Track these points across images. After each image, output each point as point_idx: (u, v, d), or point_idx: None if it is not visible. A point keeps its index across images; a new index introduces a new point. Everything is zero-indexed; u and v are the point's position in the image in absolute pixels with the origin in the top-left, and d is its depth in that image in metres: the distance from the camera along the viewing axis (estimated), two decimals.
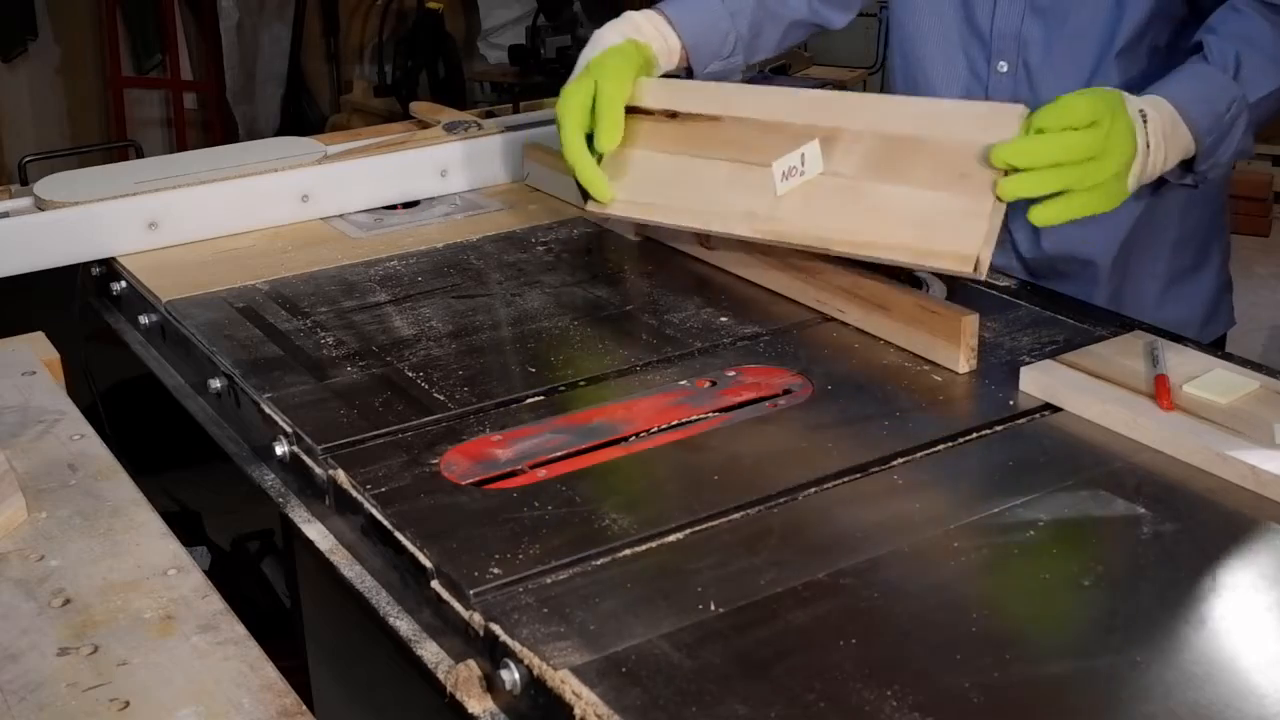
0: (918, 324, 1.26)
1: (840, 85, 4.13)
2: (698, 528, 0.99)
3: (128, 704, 0.84)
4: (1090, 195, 1.21)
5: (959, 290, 1.43)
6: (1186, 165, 1.33)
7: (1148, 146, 1.24)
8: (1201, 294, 1.61)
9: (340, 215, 1.73)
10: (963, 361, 1.23)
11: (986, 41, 1.51)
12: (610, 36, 1.49)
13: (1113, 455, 1.08)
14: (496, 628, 0.87)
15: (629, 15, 1.52)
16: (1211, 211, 1.57)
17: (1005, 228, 1.53)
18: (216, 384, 1.31)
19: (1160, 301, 1.56)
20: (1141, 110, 1.24)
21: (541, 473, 1.07)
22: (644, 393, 1.21)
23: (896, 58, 1.63)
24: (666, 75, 1.53)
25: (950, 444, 1.11)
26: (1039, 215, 1.21)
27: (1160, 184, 1.47)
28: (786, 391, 1.21)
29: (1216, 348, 1.59)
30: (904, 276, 1.40)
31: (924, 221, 1.24)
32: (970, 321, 1.23)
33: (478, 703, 0.88)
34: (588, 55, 1.46)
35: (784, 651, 0.85)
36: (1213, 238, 1.59)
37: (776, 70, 3.51)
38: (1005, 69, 1.50)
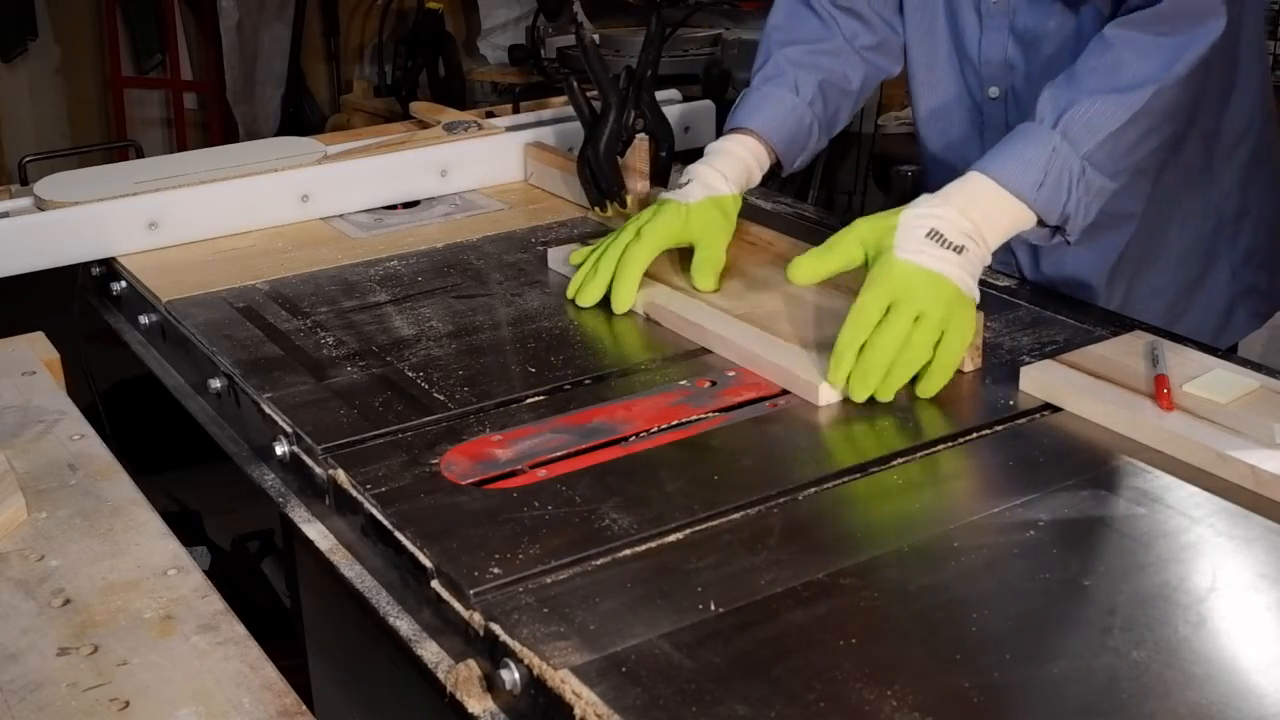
0: None
1: None
2: (698, 528, 0.99)
3: (128, 704, 0.84)
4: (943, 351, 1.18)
5: None
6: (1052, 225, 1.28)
7: (959, 250, 1.20)
8: (1212, 305, 1.59)
9: (340, 215, 1.73)
10: (967, 360, 1.23)
11: (977, 68, 1.52)
12: (714, 181, 1.46)
13: (1113, 455, 1.08)
14: (496, 627, 0.87)
15: (727, 149, 1.49)
16: (1215, 223, 1.56)
17: (1008, 249, 1.53)
18: (216, 384, 1.31)
19: (1169, 317, 1.55)
20: (931, 229, 1.20)
21: (541, 473, 1.07)
22: (644, 393, 1.21)
23: (908, 79, 1.64)
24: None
25: (950, 444, 1.11)
26: (923, 389, 1.18)
27: (1154, 203, 1.47)
28: (786, 391, 1.21)
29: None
30: None
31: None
32: (976, 320, 1.22)
33: (478, 702, 0.88)
34: (701, 178, 1.45)
35: (784, 651, 0.85)
36: (1219, 248, 1.57)
37: None
38: (996, 94, 1.51)
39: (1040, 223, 1.27)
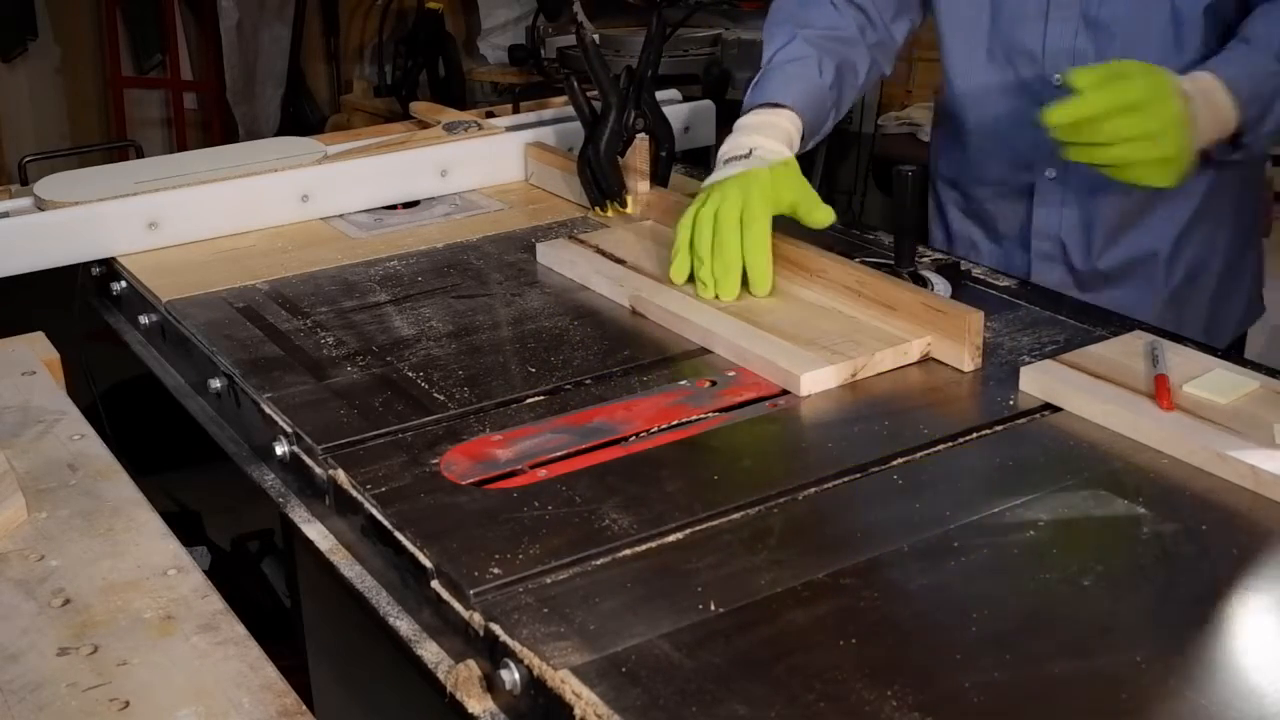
0: (924, 322, 1.26)
1: None
2: (698, 528, 0.99)
3: (128, 704, 0.84)
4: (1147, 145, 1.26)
5: (961, 290, 1.43)
6: (1231, 141, 1.35)
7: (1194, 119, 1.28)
8: (1247, 285, 1.64)
9: (340, 215, 1.72)
10: (967, 360, 1.23)
11: (1038, 58, 1.52)
12: (779, 148, 1.45)
13: (1113, 455, 1.08)
14: (496, 628, 0.87)
15: (772, 122, 1.49)
16: (1257, 201, 1.59)
17: (1057, 240, 1.58)
18: (216, 384, 1.31)
19: (1218, 295, 1.57)
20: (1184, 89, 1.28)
21: (541, 473, 1.07)
22: (644, 393, 1.21)
23: (942, 71, 1.64)
24: None
25: (950, 444, 1.11)
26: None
27: (1214, 174, 1.48)
28: (786, 391, 1.21)
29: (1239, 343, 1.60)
30: (907, 275, 1.41)
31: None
32: (975, 319, 1.23)
33: (478, 703, 0.88)
34: (765, 147, 1.44)
35: (784, 651, 0.85)
36: (1254, 227, 1.61)
37: None
38: (1060, 81, 1.48)
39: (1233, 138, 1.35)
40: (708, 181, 1.45)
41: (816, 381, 1.20)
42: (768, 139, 1.47)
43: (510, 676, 0.85)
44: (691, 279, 1.39)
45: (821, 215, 1.41)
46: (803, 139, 1.54)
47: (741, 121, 1.52)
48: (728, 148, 1.48)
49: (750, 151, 1.44)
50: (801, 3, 1.65)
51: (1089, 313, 1.37)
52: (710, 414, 1.17)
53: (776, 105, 1.51)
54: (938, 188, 1.73)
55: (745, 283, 1.37)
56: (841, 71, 1.58)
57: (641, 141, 1.62)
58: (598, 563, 0.95)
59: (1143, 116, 1.25)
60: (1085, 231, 1.56)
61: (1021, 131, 1.53)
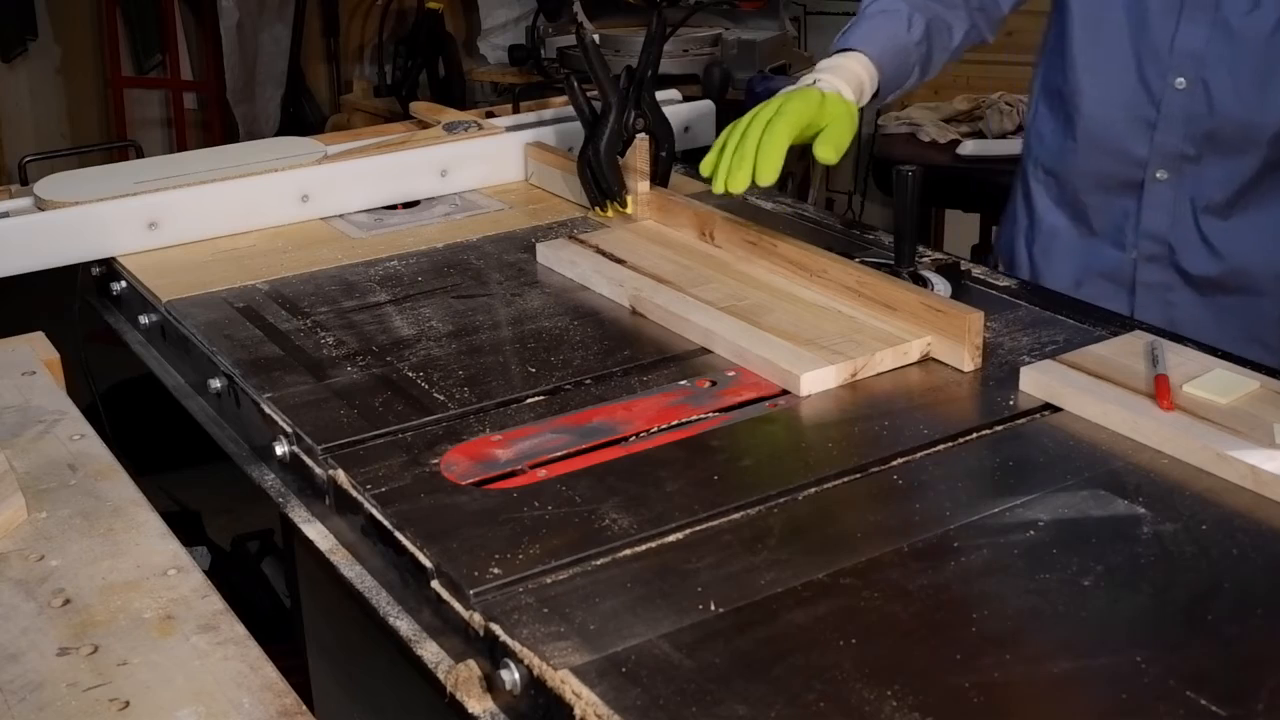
0: (924, 322, 1.26)
1: None
2: (698, 528, 0.99)
3: (128, 704, 0.84)
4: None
5: (961, 289, 1.43)
6: None
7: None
8: None
9: (340, 215, 1.72)
10: (968, 360, 1.23)
11: (1164, 58, 1.49)
12: (840, 85, 1.47)
13: (1113, 455, 1.08)
14: (496, 628, 0.87)
15: (844, 65, 1.50)
16: None
17: (1165, 242, 1.55)
18: (216, 384, 1.31)
19: None
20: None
21: (541, 473, 1.07)
22: (644, 393, 1.21)
23: (1058, 57, 1.60)
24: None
25: (950, 444, 1.11)
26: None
27: None
28: (786, 391, 1.21)
29: None
30: (907, 275, 1.41)
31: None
32: (975, 319, 1.23)
33: (478, 703, 0.88)
34: (828, 81, 1.46)
35: (784, 651, 0.85)
36: None
37: (776, 70, 3.51)
38: (1183, 85, 1.48)
39: None
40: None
41: (816, 381, 1.20)
42: (836, 79, 1.47)
43: (510, 676, 0.85)
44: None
45: (822, 149, 1.40)
46: (879, 91, 1.54)
47: (822, 62, 1.53)
48: (794, 84, 1.50)
49: (814, 82, 1.46)
50: None
51: (1089, 313, 1.37)
52: (710, 414, 1.17)
53: (857, 51, 1.52)
54: (1028, 170, 1.69)
55: (751, 295, 1.37)
56: (932, 30, 1.57)
57: (641, 141, 1.62)
58: (598, 563, 0.95)
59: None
60: (1197, 235, 1.53)
61: (1136, 130, 1.52)
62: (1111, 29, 1.53)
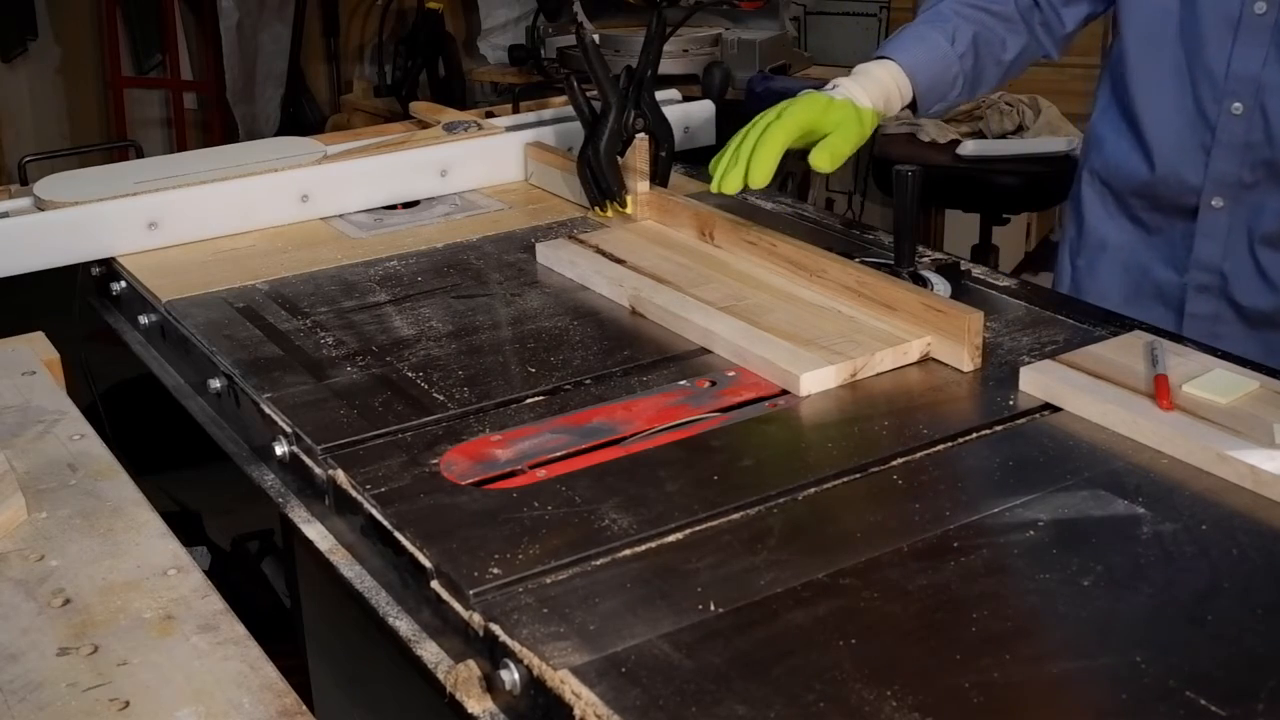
0: (924, 322, 1.26)
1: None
2: (698, 528, 0.99)
3: (128, 704, 0.84)
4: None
5: (961, 290, 1.43)
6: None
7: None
8: None
9: (340, 215, 1.72)
10: (967, 360, 1.23)
11: (1219, 82, 1.44)
12: (856, 92, 1.47)
13: (1113, 455, 1.08)
14: (496, 628, 0.87)
15: (871, 71, 1.50)
16: None
17: (1218, 272, 1.49)
18: (216, 384, 1.31)
19: None
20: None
21: (541, 473, 1.07)
22: (644, 393, 1.21)
23: (1120, 68, 1.55)
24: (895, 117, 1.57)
25: (950, 444, 1.11)
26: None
27: None
28: (786, 391, 1.21)
29: None
30: (907, 275, 1.41)
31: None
32: (975, 320, 1.23)
33: (477, 703, 0.88)
34: (845, 87, 1.47)
35: (784, 651, 0.85)
36: None
37: (776, 70, 3.50)
38: (1240, 110, 1.43)
39: None
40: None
41: (816, 381, 1.20)
42: (855, 84, 1.47)
43: (510, 676, 0.85)
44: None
45: (818, 158, 1.41)
46: (915, 102, 1.53)
47: (855, 68, 1.53)
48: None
49: (835, 87, 1.47)
50: None
51: (1089, 313, 1.37)
52: (710, 414, 1.17)
53: (890, 60, 1.52)
54: (1082, 176, 1.65)
55: (751, 295, 1.37)
56: (980, 42, 1.55)
57: (641, 141, 1.62)
58: (598, 563, 0.95)
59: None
60: (1252, 266, 1.48)
61: (1191, 155, 1.47)
62: (1166, 49, 1.48)
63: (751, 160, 1.38)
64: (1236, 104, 1.43)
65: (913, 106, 1.55)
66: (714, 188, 1.42)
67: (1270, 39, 1.40)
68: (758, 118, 1.43)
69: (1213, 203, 1.48)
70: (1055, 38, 1.62)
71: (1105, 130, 1.60)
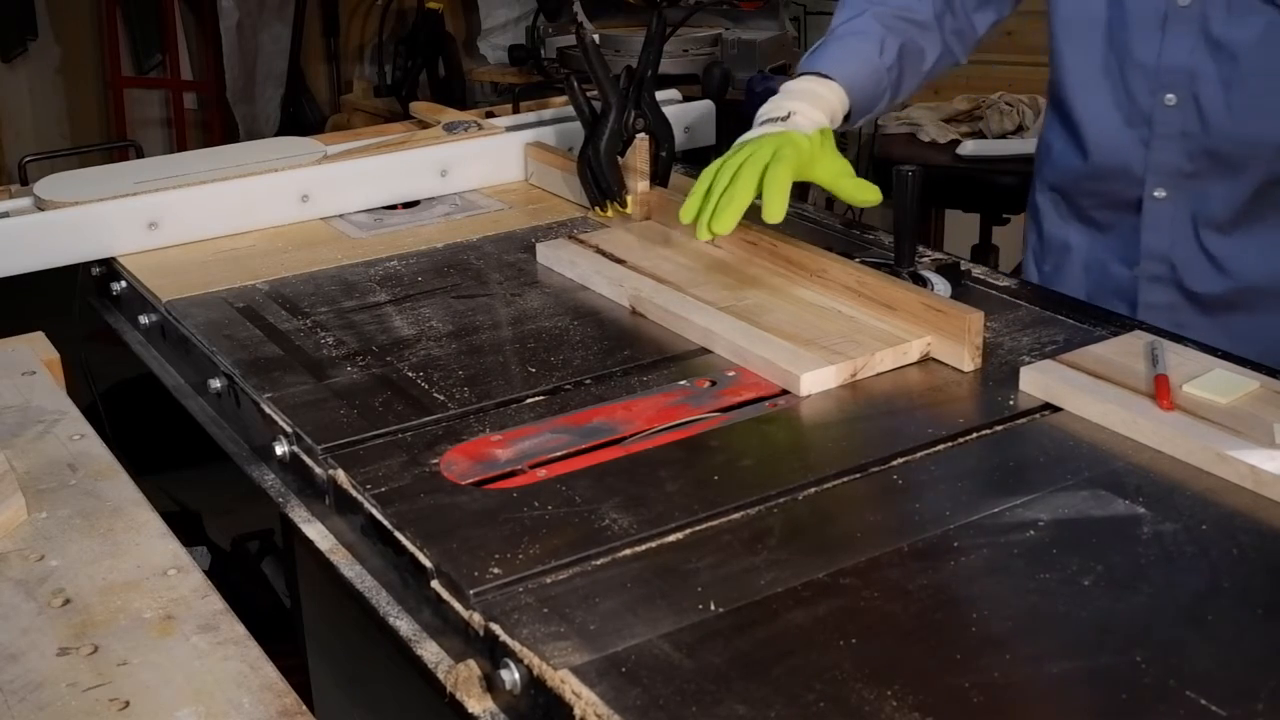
0: (924, 322, 1.26)
1: None
2: (698, 528, 0.99)
3: (128, 704, 0.84)
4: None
5: (961, 289, 1.43)
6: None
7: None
8: None
9: (340, 215, 1.72)
10: (968, 360, 1.23)
11: (1151, 75, 1.44)
12: (818, 116, 1.45)
13: (1113, 455, 1.08)
14: (496, 627, 0.87)
15: (815, 91, 1.47)
16: None
17: (1167, 262, 1.51)
18: (216, 384, 1.31)
19: None
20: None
21: (541, 473, 1.07)
22: (644, 393, 1.21)
23: (1055, 69, 1.57)
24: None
25: (950, 444, 1.11)
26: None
27: None
28: (786, 391, 1.21)
29: None
30: (907, 275, 1.41)
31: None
32: (976, 320, 1.23)
33: (478, 702, 0.88)
34: (805, 113, 1.44)
35: (784, 651, 0.85)
36: None
37: (776, 70, 3.50)
38: (1174, 102, 1.43)
39: None
40: (741, 139, 1.42)
41: (816, 381, 1.20)
42: (810, 107, 1.44)
43: (510, 676, 0.85)
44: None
45: (869, 194, 1.38)
46: (848, 116, 1.52)
47: (787, 85, 1.49)
48: (766, 109, 1.46)
49: (789, 115, 1.43)
50: None
51: (1089, 313, 1.37)
52: (710, 414, 1.17)
53: (826, 76, 1.49)
54: (1036, 187, 1.66)
55: (751, 296, 1.37)
56: (905, 53, 1.55)
57: (641, 141, 1.62)
58: (598, 563, 0.95)
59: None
60: (1200, 254, 1.49)
61: (1131, 148, 1.48)
62: (1097, 48, 1.49)
63: (766, 199, 1.33)
64: (1170, 95, 1.44)
65: (844, 119, 1.54)
66: (702, 234, 1.34)
67: (1198, 28, 1.41)
68: (735, 159, 1.36)
69: (1155, 194, 1.49)
70: (966, 44, 1.63)
71: (1052, 137, 1.62)
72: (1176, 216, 1.49)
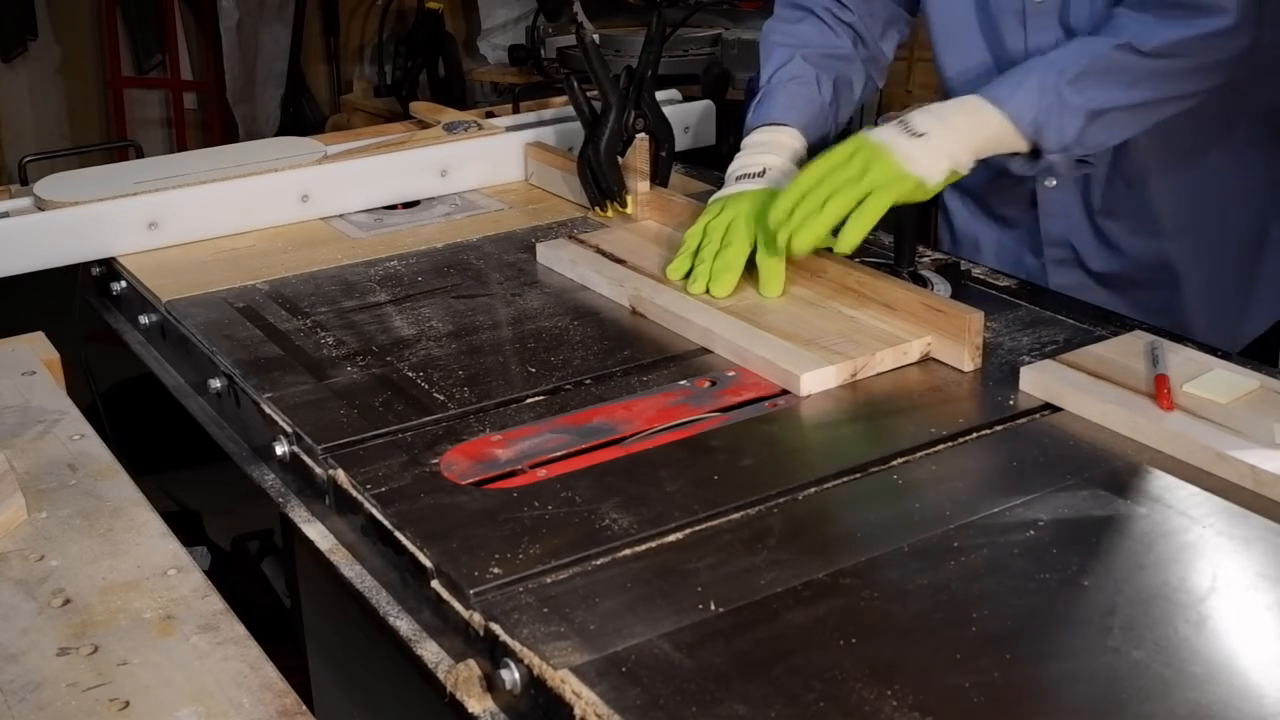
0: (924, 322, 1.26)
1: None
2: (698, 528, 0.99)
3: (128, 704, 0.84)
4: (871, 198, 1.28)
5: (961, 290, 1.43)
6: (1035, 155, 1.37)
7: (916, 135, 1.31)
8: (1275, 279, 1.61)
9: (340, 215, 1.73)
10: (968, 360, 1.23)
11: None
12: (783, 168, 1.47)
13: (1113, 455, 1.08)
14: (496, 627, 0.87)
15: (781, 141, 1.50)
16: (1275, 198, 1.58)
17: (1068, 245, 1.56)
18: (216, 384, 1.31)
19: (1244, 287, 1.56)
20: (900, 119, 1.33)
21: (541, 473, 1.07)
22: (644, 393, 1.21)
23: (939, 84, 1.62)
24: None
25: (950, 444, 1.11)
26: (844, 242, 1.29)
27: (1223, 165, 1.48)
28: (786, 391, 1.21)
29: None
30: (907, 275, 1.41)
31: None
32: (976, 320, 1.23)
33: (478, 702, 0.88)
34: (779, 168, 1.45)
35: (784, 651, 0.85)
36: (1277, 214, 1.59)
37: None
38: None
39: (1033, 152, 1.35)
40: (717, 196, 1.46)
41: (816, 381, 1.20)
42: (780, 159, 1.48)
43: (510, 676, 0.85)
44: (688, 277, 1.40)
45: (843, 244, 1.36)
46: (804, 160, 1.53)
47: (749, 140, 1.53)
48: (738, 165, 1.49)
49: (764, 170, 1.46)
50: (794, 21, 1.65)
51: (1089, 313, 1.37)
52: (710, 414, 1.17)
53: (783, 125, 1.52)
54: (946, 191, 1.66)
55: (751, 296, 1.37)
56: (839, 88, 1.60)
57: (641, 141, 1.62)
58: (598, 563, 0.95)
59: (833, 166, 1.30)
60: (1095, 235, 1.55)
61: None
62: (973, 48, 1.54)
63: (763, 269, 1.36)
64: None
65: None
66: (698, 289, 1.37)
67: (1057, 21, 1.46)
68: (724, 221, 1.39)
69: (1046, 184, 1.54)
70: (880, 68, 1.69)
71: None
72: (1068, 202, 1.54)
